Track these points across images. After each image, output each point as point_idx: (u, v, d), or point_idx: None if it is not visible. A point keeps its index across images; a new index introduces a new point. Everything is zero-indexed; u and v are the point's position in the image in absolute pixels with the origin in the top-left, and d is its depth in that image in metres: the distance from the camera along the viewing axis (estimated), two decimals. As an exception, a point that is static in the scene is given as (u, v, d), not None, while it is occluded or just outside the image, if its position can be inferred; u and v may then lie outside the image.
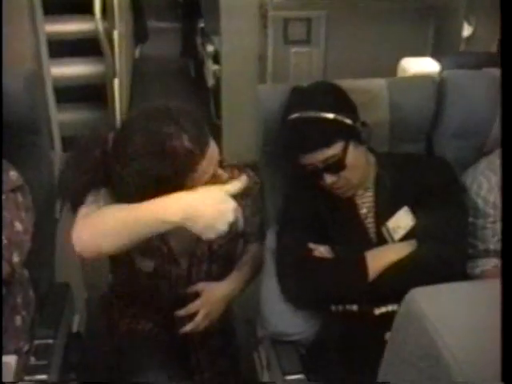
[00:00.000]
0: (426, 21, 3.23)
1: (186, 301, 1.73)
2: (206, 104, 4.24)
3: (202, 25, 4.45)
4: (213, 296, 1.73)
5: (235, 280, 1.78)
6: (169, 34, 6.05)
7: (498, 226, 1.69)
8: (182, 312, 1.72)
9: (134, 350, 1.77)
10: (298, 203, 1.75)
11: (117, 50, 3.33)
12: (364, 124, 1.64)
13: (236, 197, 1.59)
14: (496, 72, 1.86)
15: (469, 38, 3.33)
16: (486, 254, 1.70)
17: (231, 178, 1.50)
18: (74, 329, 1.89)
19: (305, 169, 1.63)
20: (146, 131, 1.37)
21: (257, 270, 1.81)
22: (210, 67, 3.92)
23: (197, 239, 1.66)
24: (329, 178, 1.62)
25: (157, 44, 5.79)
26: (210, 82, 3.97)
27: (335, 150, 1.58)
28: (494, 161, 1.76)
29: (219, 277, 1.77)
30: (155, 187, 1.35)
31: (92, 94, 3.31)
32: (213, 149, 1.43)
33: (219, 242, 1.73)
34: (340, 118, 1.59)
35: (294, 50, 3.23)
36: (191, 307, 1.71)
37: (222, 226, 1.29)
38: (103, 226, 1.35)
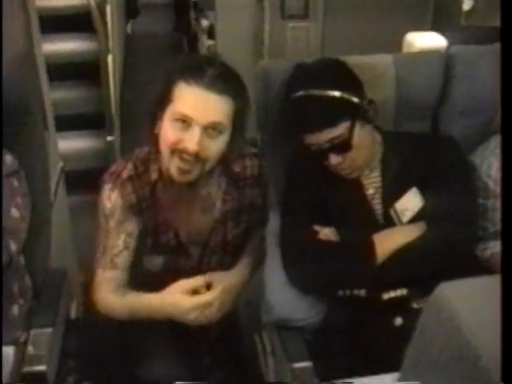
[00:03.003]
0: (427, -6, 3.17)
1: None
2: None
3: (195, -1, 4.37)
4: (226, 286, 1.66)
5: (245, 268, 1.73)
6: (161, 9, 5.94)
7: (509, 207, 1.64)
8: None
9: (136, 335, 1.71)
10: (301, 185, 1.70)
11: (110, 25, 3.24)
12: (371, 102, 1.58)
13: (246, 184, 1.70)
14: (505, 47, 1.79)
15: (469, 12, 3.25)
16: (496, 236, 1.65)
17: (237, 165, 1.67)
18: (73, 315, 1.84)
19: (309, 149, 1.58)
20: None
21: (263, 256, 1.76)
22: (205, 42, 3.85)
23: (211, 229, 1.67)
24: (334, 159, 1.57)
25: (149, 19, 5.68)
26: (205, 58, 3.89)
27: (341, 129, 1.53)
28: (505, 139, 1.70)
29: (230, 266, 1.72)
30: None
31: (85, 71, 3.22)
32: (205, 100, 1.45)
33: (233, 233, 1.70)
34: (346, 96, 1.53)
35: (291, 24, 3.17)
36: (204, 300, 1.65)
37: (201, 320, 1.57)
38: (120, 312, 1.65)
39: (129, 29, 5.59)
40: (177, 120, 1.46)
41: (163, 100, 1.49)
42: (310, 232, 1.61)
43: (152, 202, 1.63)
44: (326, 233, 1.62)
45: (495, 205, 1.65)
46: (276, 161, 1.79)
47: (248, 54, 3.36)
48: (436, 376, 0.73)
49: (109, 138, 3.21)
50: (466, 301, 0.70)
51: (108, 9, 3.22)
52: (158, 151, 1.56)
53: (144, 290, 1.70)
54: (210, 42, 3.73)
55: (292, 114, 1.60)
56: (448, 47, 1.86)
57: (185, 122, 1.45)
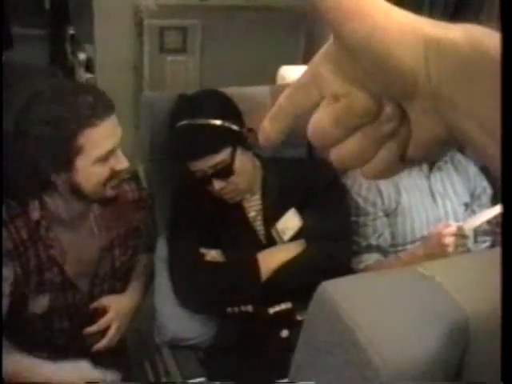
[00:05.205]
0: (297, 30, 3.37)
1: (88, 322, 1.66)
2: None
3: (71, 32, 4.34)
4: (122, 308, 1.68)
5: (136, 291, 1.76)
6: (36, 41, 5.84)
7: (378, 223, 1.80)
8: (93, 328, 1.65)
9: None
10: (187, 209, 1.77)
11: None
12: (250, 130, 1.69)
13: (128, 209, 1.66)
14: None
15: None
16: (368, 249, 1.80)
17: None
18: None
19: (193, 175, 1.66)
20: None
21: (150, 280, 1.81)
22: (83, 76, 3.82)
23: (98, 259, 1.66)
24: (217, 184, 1.65)
25: (23, 51, 5.57)
26: (83, 90, 3.87)
27: (223, 156, 1.62)
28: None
29: (120, 292, 1.74)
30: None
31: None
32: (111, 126, 1.47)
33: (122, 259, 1.71)
34: (227, 124, 1.63)
35: (169, 58, 3.25)
36: (103, 322, 1.66)
37: None
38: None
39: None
40: (101, 159, 1.46)
41: (64, 159, 1.44)
42: (197, 254, 1.68)
43: (32, 243, 1.56)
44: (213, 254, 1.70)
45: (365, 221, 1.81)
46: (162, 187, 1.85)
47: (128, 87, 3.40)
48: (325, 363, 0.83)
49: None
50: (346, 293, 0.80)
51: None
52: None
53: (29, 336, 1.64)
54: (88, 75, 3.72)
55: (176, 142, 1.68)
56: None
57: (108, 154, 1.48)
